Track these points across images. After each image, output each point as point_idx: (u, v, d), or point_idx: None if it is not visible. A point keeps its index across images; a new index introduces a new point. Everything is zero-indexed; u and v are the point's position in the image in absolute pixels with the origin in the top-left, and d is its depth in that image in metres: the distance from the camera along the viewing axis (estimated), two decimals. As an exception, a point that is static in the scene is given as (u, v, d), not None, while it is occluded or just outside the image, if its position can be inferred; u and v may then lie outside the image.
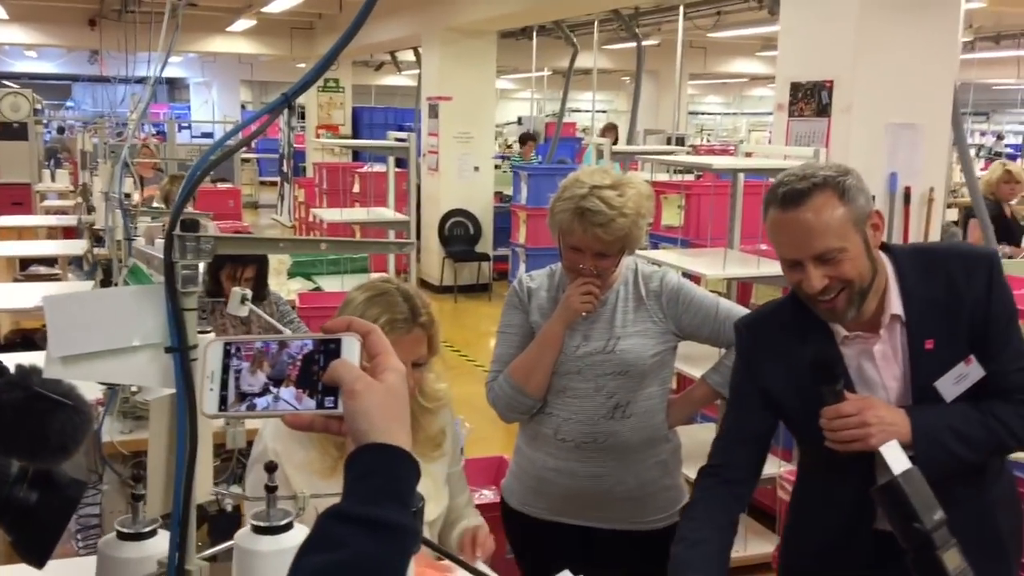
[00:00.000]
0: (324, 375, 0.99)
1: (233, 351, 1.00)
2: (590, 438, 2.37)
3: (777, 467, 3.88)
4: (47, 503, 1.19)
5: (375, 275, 6.07)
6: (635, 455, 2.39)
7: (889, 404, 1.82)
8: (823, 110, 4.94)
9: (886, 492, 1.39)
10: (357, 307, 1.98)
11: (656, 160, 4.51)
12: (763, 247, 4.50)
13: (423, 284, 10.56)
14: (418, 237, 10.85)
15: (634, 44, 10.11)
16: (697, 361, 3.54)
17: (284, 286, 5.37)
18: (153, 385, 1.12)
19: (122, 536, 1.22)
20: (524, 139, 11.39)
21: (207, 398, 0.99)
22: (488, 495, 3.44)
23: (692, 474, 3.99)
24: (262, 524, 1.19)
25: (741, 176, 4.43)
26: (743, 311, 2.45)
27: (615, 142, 9.63)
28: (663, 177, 6.46)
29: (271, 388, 0.99)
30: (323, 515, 0.94)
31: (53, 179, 12.16)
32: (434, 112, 10.32)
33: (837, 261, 1.76)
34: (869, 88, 4.78)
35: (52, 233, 8.89)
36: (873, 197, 4.90)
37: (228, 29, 14.97)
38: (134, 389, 3.27)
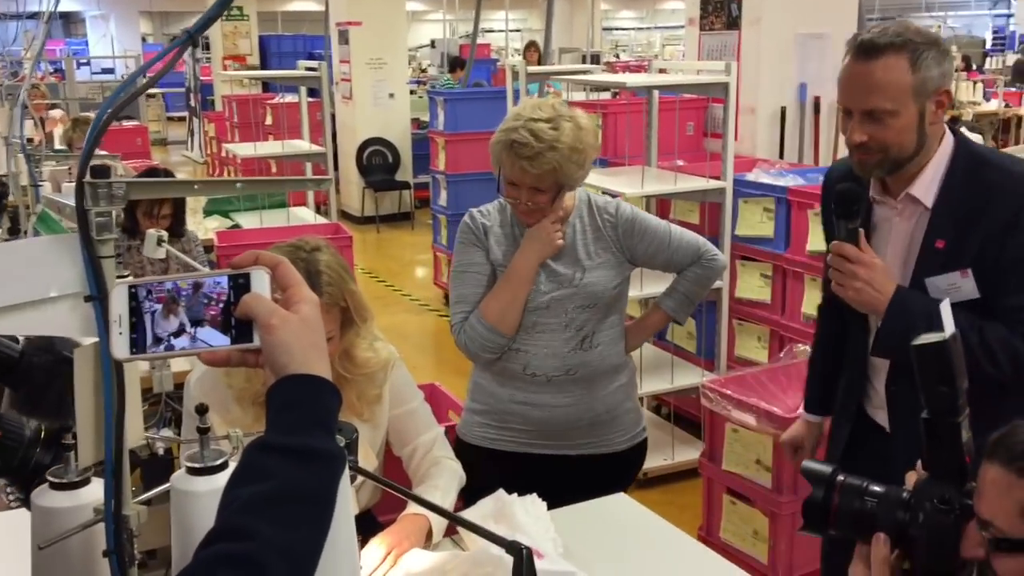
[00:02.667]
0: (236, 310, 0.99)
1: (143, 294, 0.99)
2: (562, 371, 2.38)
3: (700, 376, 4.00)
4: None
5: (297, 210, 5.97)
6: (602, 382, 2.43)
7: (889, 274, 1.88)
8: (733, 23, 4.98)
9: (931, 349, 1.30)
10: None
11: (570, 80, 4.51)
12: (680, 163, 4.57)
13: (344, 215, 10.43)
14: (336, 168, 10.67)
15: (544, -39, 9.97)
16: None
17: (201, 224, 5.26)
18: (75, 335, 1.12)
19: (55, 486, 1.22)
20: (454, 65, 11.14)
21: (116, 342, 0.98)
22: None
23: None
24: (197, 465, 1.20)
25: (656, 93, 4.46)
26: (694, 237, 2.50)
27: (538, 62, 9.51)
28: (580, 97, 6.45)
29: (186, 328, 0.99)
30: (249, 447, 0.96)
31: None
32: (344, 38, 10.07)
33: (884, 124, 1.81)
34: (778, -1, 4.83)
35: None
36: (784, 108, 4.93)
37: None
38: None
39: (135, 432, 1.19)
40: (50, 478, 1.23)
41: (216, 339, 0.99)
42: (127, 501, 1.15)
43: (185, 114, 16.33)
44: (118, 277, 1.14)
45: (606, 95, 6.26)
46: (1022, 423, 1.21)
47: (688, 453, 4.22)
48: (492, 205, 2.46)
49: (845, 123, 1.89)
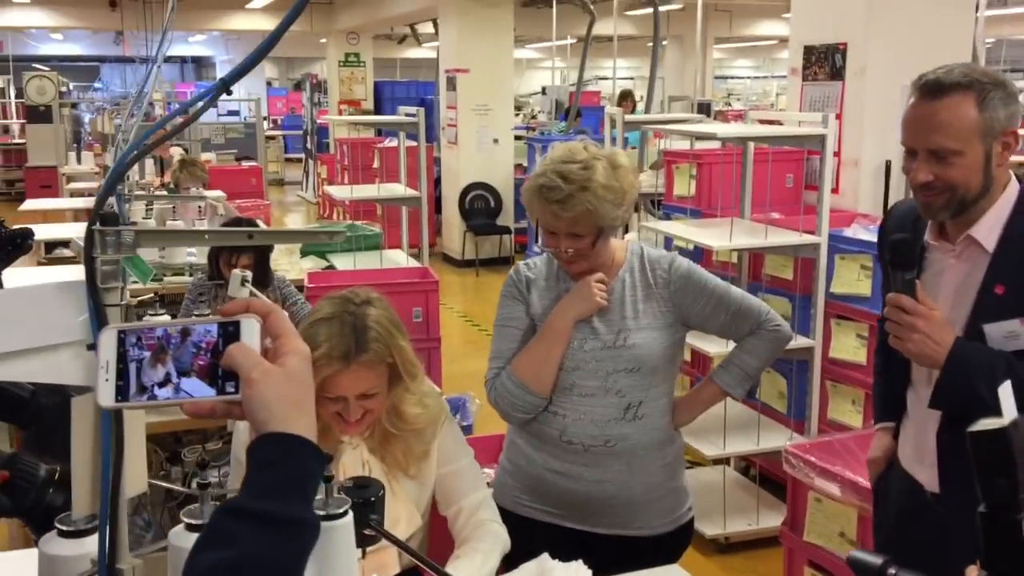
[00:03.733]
0: (222, 360, 0.96)
1: (134, 340, 0.97)
2: (600, 441, 2.22)
3: (786, 439, 3.82)
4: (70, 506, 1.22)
5: (391, 252, 6.03)
6: (643, 459, 2.26)
7: (949, 328, 1.81)
8: (837, 73, 4.83)
9: (988, 437, 1.15)
10: (307, 322, 1.94)
11: (662, 129, 4.44)
12: (774, 215, 4.42)
13: (445, 259, 10.54)
14: (439, 211, 10.82)
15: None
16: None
17: (296, 265, 5.36)
18: (77, 383, 1.11)
19: (61, 533, 1.21)
20: (575, 113, 11.04)
21: (102, 389, 0.96)
22: (491, 473, 3.41)
23: (704, 449, 3.92)
24: (195, 522, 1.17)
25: (751, 144, 4.34)
26: (757, 302, 2.34)
27: (632, 110, 9.49)
28: (683, 145, 6.36)
29: (172, 378, 0.96)
30: (218, 509, 0.92)
31: (79, 161, 12.26)
32: (452, 84, 10.25)
33: (949, 163, 1.78)
34: (883, 50, 4.66)
35: (78, 216, 8.97)
36: (889, 162, 4.72)
37: (247, 6, 14.96)
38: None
39: (137, 481, 1.17)
40: (58, 525, 1.22)
41: (200, 390, 0.96)
42: (123, 554, 1.13)
43: (302, 156, 16.86)
44: (197, 315, 1.13)
45: (715, 145, 6.16)
46: None
47: (774, 519, 4.02)
48: (541, 258, 2.36)
49: (908, 164, 1.84)
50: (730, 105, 19.47)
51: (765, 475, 4.31)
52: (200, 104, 1.19)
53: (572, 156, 2.14)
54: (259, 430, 0.93)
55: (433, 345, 4.67)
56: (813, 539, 3.14)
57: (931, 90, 1.79)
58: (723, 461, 4.47)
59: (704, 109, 11.99)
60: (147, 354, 0.97)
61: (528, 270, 2.34)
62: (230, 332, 0.97)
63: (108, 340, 0.97)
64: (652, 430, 2.26)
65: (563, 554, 1.93)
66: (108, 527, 1.09)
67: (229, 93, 1.20)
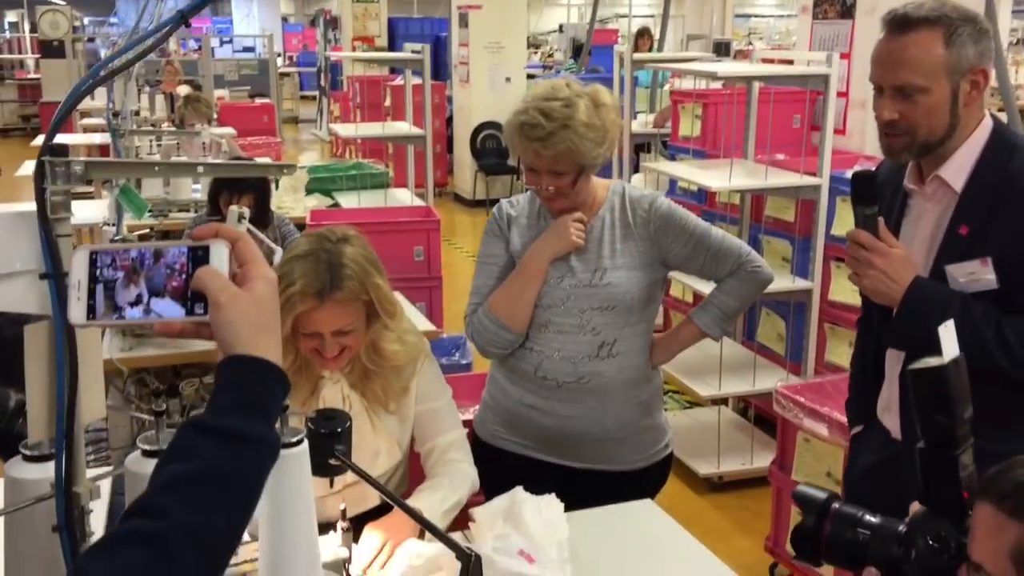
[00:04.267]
0: (192, 282, 0.99)
1: (108, 261, 1.00)
2: (573, 377, 2.25)
3: (779, 379, 3.83)
4: None
5: (396, 191, 6.03)
6: (617, 396, 2.28)
7: (910, 265, 1.80)
8: (847, 11, 4.74)
9: (928, 375, 1.17)
10: (283, 258, 1.95)
11: (667, 68, 4.39)
12: (779, 157, 4.38)
13: (456, 198, 10.52)
14: (450, 151, 10.77)
15: (670, -55, 9.73)
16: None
17: (301, 203, 5.38)
18: (34, 311, 1.13)
19: (26, 458, 1.24)
20: (639, 35, 10.77)
21: (73, 307, 0.99)
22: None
23: (700, 390, 3.94)
24: (151, 448, 1.20)
25: (756, 84, 4.29)
26: (737, 244, 2.33)
27: (650, 49, 9.33)
28: (692, 85, 6.29)
29: (143, 299, 1.00)
30: (184, 424, 0.96)
31: (93, 97, 12.22)
32: (464, 21, 10.12)
33: (914, 101, 1.76)
34: (895, -13, 4.57)
35: (92, 152, 8.98)
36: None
37: (261, -60, 14.75)
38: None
39: (94, 408, 1.20)
40: (22, 450, 1.26)
41: (170, 311, 1.00)
42: (81, 478, 1.17)
43: (317, 93, 16.76)
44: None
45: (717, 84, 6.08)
46: (1022, 458, 1.10)
47: (767, 458, 4.05)
48: (525, 195, 2.36)
49: (877, 102, 1.81)
50: (752, 44, 19.13)
51: (763, 416, 4.34)
52: (156, 36, 1.19)
53: (554, 93, 2.12)
54: (226, 352, 0.97)
55: (434, 284, 4.70)
56: (801, 478, 3.17)
57: (899, 25, 1.76)
58: (721, 402, 4.50)
59: (723, 48, 11.82)
60: (120, 274, 1.00)
61: (511, 207, 2.35)
62: (199, 256, 1.00)
63: (80, 261, 1.00)
64: (627, 368, 2.27)
65: (539, 487, 1.97)
66: (64, 452, 1.12)
67: (188, 25, 1.20)
